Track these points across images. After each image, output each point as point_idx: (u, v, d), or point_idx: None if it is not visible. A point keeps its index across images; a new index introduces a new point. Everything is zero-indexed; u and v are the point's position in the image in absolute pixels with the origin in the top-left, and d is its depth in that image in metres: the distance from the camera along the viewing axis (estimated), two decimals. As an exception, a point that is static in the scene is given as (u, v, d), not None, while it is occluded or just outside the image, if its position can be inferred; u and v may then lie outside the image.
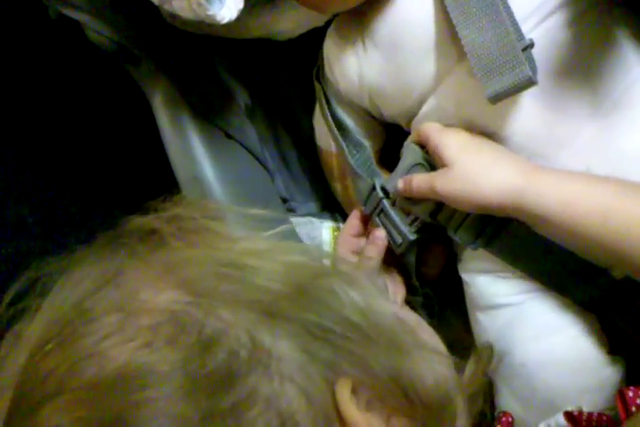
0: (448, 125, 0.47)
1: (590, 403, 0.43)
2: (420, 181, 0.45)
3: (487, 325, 0.49)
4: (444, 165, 0.44)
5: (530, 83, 0.39)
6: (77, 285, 0.31)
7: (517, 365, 0.45)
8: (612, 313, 0.44)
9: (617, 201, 0.37)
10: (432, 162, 0.48)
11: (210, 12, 0.43)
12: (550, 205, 0.38)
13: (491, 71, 0.41)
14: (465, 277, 0.52)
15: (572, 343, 0.44)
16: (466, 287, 0.52)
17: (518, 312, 0.47)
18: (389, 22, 0.47)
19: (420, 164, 0.49)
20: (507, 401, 0.47)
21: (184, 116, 0.56)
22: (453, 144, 0.44)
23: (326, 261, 0.36)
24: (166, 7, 0.46)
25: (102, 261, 0.32)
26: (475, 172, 0.42)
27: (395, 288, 0.53)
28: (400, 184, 0.48)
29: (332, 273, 0.34)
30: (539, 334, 0.45)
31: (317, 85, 0.56)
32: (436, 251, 0.54)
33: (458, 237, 0.47)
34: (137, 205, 0.35)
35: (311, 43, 0.56)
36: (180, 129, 0.56)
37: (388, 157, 0.57)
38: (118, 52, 0.57)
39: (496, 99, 0.41)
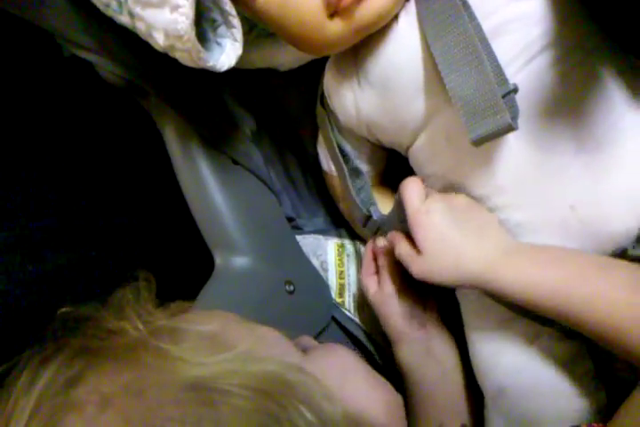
0: (439, 159, 0.50)
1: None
2: (402, 254, 0.50)
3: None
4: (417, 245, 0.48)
5: (510, 129, 0.42)
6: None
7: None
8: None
9: (580, 281, 0.41)
10: None
11: (209, 64, 0.45)
12: (511, 289, 0.44)
13: (474, 115, 0.43)
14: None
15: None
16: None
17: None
18: (380, 63, 0.49)
19: None
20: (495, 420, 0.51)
21: (193, 145, 0.59)
22: (426, 228, 0.48)
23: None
24: (170, 55, 0.49)
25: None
26: (442, 263, 0.47)
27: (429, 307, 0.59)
28: (381, 243, 0.57)
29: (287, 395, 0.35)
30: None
31: (321, 111, 0.59)
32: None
33: None
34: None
35: (315, 69, 0.58)
36: (190, 157, 0.59)
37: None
38: (128, 87, 0.60)
39: (479, 142, 0.43)
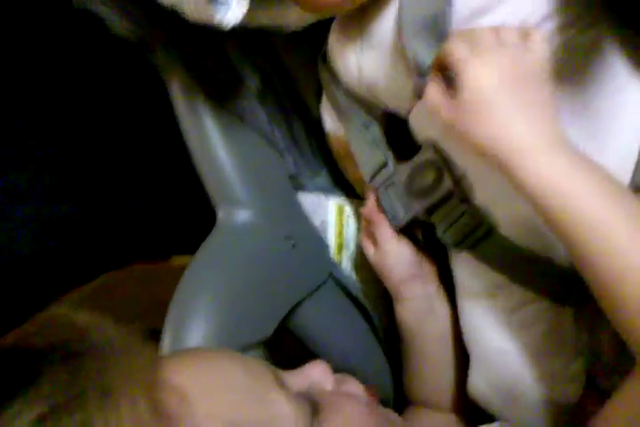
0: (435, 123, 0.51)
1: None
2: (433, 97, 0.42)
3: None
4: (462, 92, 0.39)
5: None
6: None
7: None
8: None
9: (606, 205, 0.36)
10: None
11: (216, 20, 0.46)
12: (534, 186, 0.37)
13: None
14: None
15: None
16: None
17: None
18: (384, 27, 0.50)
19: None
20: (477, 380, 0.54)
21: (199, 100, 0.60)
22: (477, 79, 0.39)
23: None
24: (179, 12, 0.50)
25: None
26: (481, 118, 0.39)
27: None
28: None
29: None
30: None
31: (323, 70, 0.60)
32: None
33: (445, 239, 0.51)
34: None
35: (320, 29, 0.59)
36: (196, 113, 0.60)
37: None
38: (137, 42, 0.60)
39: None
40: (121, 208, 0.87)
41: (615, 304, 0.35)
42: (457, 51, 0.39)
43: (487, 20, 0.45)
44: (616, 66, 0.45)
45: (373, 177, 0.58)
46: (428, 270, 0.59)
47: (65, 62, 0.77)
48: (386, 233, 0.58)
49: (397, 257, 0.58)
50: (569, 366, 0.49)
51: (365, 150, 0.58)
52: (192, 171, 0.61)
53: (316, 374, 0.42)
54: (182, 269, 0.58)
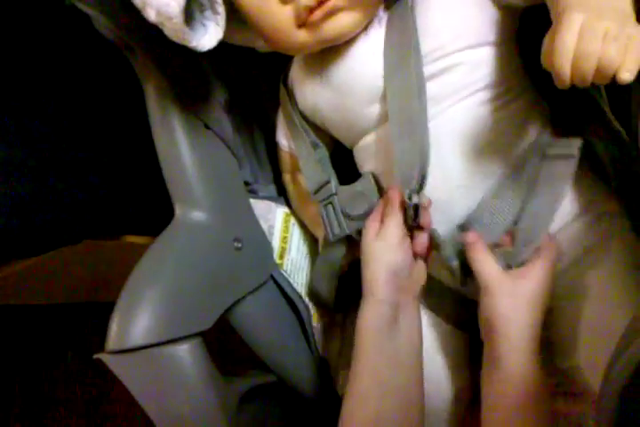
0: (376, 162, 0.58)
1: None
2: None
3: None
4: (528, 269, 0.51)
5: None
6: None
7: None
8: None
9: None
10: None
11: (193, 44, 0.51)
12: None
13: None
14: None
15: None
16: None
17: None
18: (343, 69, 0.56)
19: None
20: None
21: (170, 103, 0.64)
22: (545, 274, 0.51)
23: None
24: (160, 26, 0.54)
25: None
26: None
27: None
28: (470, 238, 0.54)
29: None
30: None
31: (283, 89, 0.65)
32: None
33: None
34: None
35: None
36: (166, 116, 0.64)
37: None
38: (118, 42, 0.64)
39: None
40: (78, 185, 0.88)
41: None
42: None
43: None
44: (530, 128, 0.54)
45: (316, 192, 0.64)
46: (412, 284, 0.57)
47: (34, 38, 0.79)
48: (397, 227, 0.55)
49: (392, 254, 0.55)
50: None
51: (312, 167, 0.64)
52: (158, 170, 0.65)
53: None
54: (132, 245, 0.61)
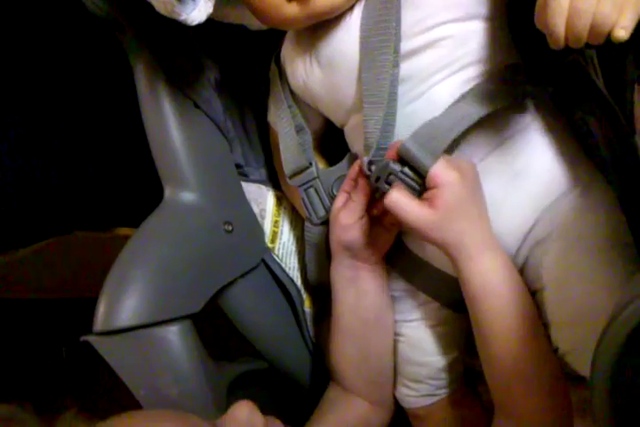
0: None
1: None
2: (398, 200, 0.51)
3: None
4: (432, 200, 0.50)
5: None
6: None
7: None
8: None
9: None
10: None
11: (182, 17, 0.50)
12: (470, 278, 0.51)
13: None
14: None
15: None
16: None
17: None
18: (330, 47, 0.55)
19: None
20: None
21: (160, 84, 0.63)
22: (450, 195, 0.50)
23: None
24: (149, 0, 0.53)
25: None
26: (450, 223, 0.50)
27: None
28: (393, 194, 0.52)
29: None
30: None
31: (274, 68, 0.64)
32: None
33: None
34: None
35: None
36: (155, 95, 0.63)
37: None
38: (108, 20, 0.63)
39: None
40: (72, 175, 0.88)
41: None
42: (446, 175, 0.50)
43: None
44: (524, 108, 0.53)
45: (293, 175, 0.63)
46: (369, 255, 0.59)
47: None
48: (363, 199, 0.57)
49: (343, 233, 0.58)
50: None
51: (292, 150, 0.63)
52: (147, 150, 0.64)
53: (245, 416, 0.45)
54: (124, 238, 0.60)
